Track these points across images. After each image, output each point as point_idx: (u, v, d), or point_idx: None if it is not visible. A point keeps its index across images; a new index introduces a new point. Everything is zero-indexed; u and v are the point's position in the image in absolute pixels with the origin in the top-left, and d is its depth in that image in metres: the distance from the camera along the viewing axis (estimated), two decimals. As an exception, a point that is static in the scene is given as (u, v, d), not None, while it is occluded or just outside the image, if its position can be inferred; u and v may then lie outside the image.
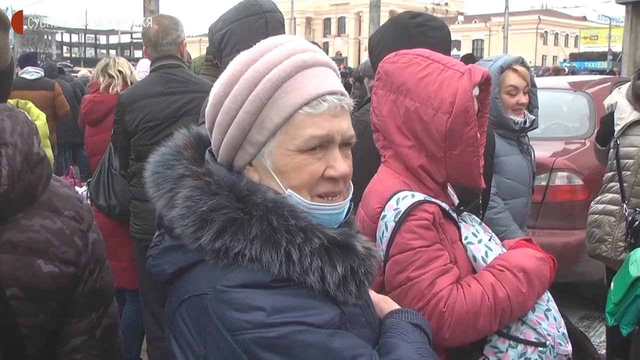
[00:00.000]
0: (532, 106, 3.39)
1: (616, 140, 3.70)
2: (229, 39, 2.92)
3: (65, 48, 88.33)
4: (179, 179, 1.27)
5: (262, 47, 1.30)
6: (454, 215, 1.99)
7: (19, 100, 1.93)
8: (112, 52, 78.97)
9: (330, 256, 1.21)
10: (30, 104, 1.89)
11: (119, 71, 4.51)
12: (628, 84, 3.86)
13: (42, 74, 8.36)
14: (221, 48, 2.92)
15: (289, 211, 1.21)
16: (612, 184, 3.80)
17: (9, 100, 1.94)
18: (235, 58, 1.32)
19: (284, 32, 2.99)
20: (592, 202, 3.98)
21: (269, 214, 1.20)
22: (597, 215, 3.88)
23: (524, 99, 3.29)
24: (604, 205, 3.84)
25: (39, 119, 1.82)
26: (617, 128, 3.68)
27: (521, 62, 3.35)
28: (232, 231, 1.18)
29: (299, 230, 1.20)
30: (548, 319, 1.91)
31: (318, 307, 1.18)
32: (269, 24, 2.88)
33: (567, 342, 1.93)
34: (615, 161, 3.73)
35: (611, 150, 3.76)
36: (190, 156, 1.32)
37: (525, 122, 3.31)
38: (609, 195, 3.83)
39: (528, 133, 3.50)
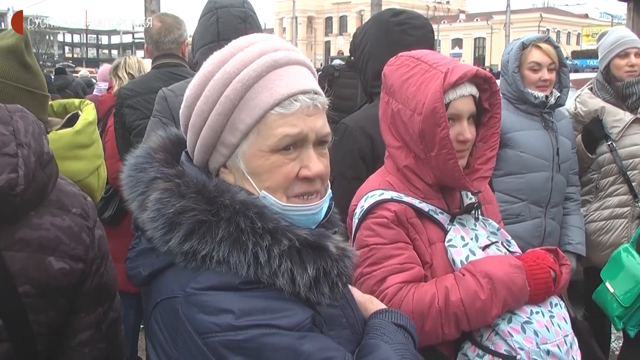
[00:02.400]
0: (562, 86, 3.38)
1: (611, 144, 3.68)
2: (194, 38, 2.98)
3: (67, 48, 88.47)
4: (151, 181, 1.26)
5: (234, 47, 1.29)
6: (438, 216, 1.96)
7: (83, 100, 1.92)
8: (114, 52, 79.03)
9: (301, 258, 1.19)
10: (90, 105, 1.87)
11: (128, 73, 4.53)
12: (585, 90, 3.88)
13: None
14: (194, 49, 2.99)
15: (255, 213, 1.19)
16: (616, 187, 3.73)
17: (73, 100, 1.94)
18: (208, 59, 1.31)
19: (244, 27, 2.91)
20: (589, 210, 3.83)
21: (236, 216, 1.18)
22: (604, 222, 3.76)
23: (547, 75, 3.30)
24: (611, 209, 3.75)
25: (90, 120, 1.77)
26: (614, 131, 3.66)
27: (546, 40, 3.38)
28: (200, 233, 1.17)
29: (265, 232, 1.18)
30: (525, 332, 1.81)
31: (288, 310, 1.16)
32: (220, 19, 2.86)
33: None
34: (615, 165, 3.69)
35: (605, 155, 3.72)
36: (162, 158, 1.30)
37: (547, 96, 3.31)
38: (614, 199, 3.75)
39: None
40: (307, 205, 1.27)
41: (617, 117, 3.67)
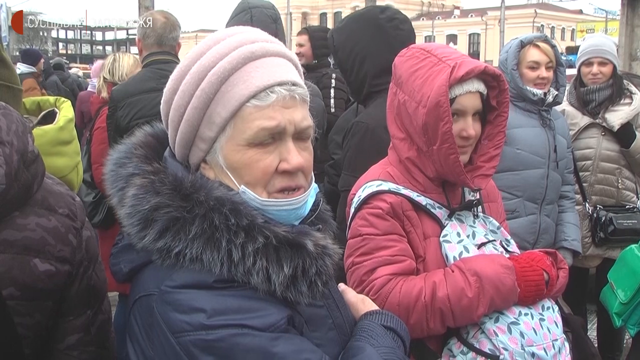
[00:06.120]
0: (559, 84, 3.48)
1: None
2: None
3: (61, 44, 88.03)
4: (129, 177, 1.24)
5: (211, 40, 1.27)
6: (435, 211, 1.95)
7: (58, 98, 1.90)
8: (108, 48, 78.75)
9: (278, 255, 1.16)
10: (67, 102, 1.85)
11: (103, 76, 4.57)
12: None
13: (21, 70, 8.21)
14: None
15: (230, 209, 1.16)
16: None
17: (48, 97, 1.92)
18: (187, 53, 1.29)
19: (275, 28, 3.00)
20: None
21: (211, 212, 1.15)
22: None
23: (545, 73, 3.39)
24: None
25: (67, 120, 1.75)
26: (570, 133, 3.86)
27: (544, 39, 3.49)
28: (174, 230, 1.15)
29: (239, 229, 1.15)
30: (511, 333, 1.79)
31: (262, 309, 1.13)
32: (254, 18, 2.93)
33: None
34: None
35: None
36: (141, 154, 1.29)
37: (545, 94, 3.40)
38: None
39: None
40: (287, 200, 1.23)
41: (573, 120, 3.94)
